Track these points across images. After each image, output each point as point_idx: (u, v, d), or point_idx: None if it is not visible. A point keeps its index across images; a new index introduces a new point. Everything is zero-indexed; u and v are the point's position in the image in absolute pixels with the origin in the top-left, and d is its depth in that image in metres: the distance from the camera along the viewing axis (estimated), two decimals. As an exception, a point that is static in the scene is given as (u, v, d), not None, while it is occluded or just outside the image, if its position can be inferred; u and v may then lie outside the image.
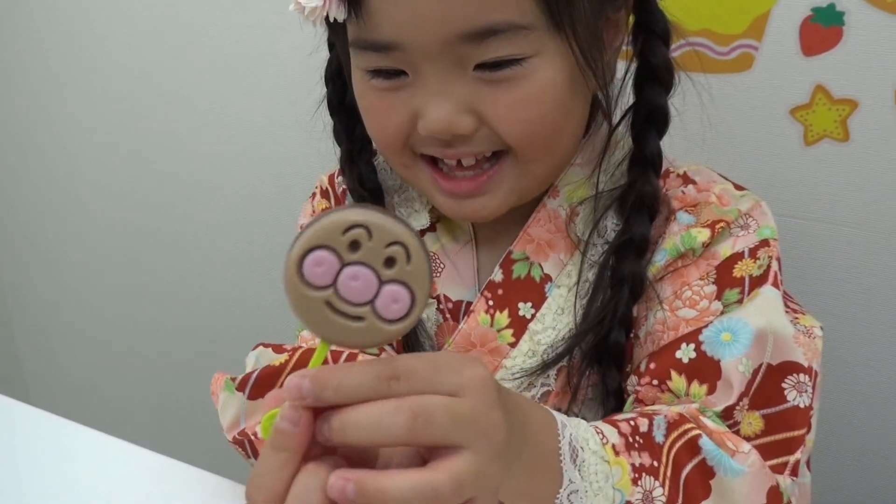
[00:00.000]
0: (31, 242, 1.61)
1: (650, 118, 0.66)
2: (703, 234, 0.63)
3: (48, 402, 1.58)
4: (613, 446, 0.52)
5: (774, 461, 0.56)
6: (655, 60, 0.65)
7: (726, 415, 0.58)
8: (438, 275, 0.72)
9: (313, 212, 0.78)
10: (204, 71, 1.23)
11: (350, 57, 0.64)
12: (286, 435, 0.38)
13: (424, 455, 0.40)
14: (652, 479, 0.52)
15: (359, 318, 0.39)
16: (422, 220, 0.73)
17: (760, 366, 0.58)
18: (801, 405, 0.58)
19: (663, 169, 0.67)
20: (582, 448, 0.50)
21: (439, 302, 0.71)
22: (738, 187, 0.68)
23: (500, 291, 0.68)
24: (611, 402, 0.65)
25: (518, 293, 0.68)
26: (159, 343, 1.52)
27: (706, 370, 0.59)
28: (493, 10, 0.56)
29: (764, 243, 0.63)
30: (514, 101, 0.59)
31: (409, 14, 0.56)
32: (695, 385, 0.59)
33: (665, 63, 0.65)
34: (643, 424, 0.55)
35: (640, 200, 0.65)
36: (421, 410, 0.37)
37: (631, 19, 0.66)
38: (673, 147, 0.73)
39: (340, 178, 0.77)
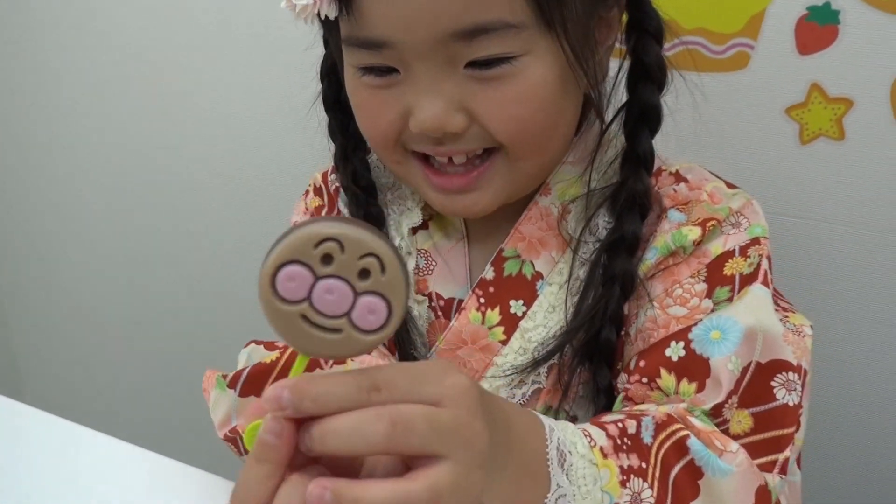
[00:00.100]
0: (27, 241, 1.61)
1: (643, 116, 0.66)
2: (693, 233, 0.63)
3: (43, 400, 1.58)
4: (601, 449, 0.52)
5: (763, 459, 0.56)
6: (648, 59, 0.65)
7: (715, 413, 0.58)
8: (430, 272, 0.72)
9: (306, 209, 0.78)
10: (203, 69, 1.23)
11: (343, 54, 0.64)
12: (269, 447, 0.38)
13: (409, 465, 0.39)
14: (640, 480, 0.52)
15: (336, 330, 0.39)
16: (414, 218, 0.73)
17: (749, 364, 0.58)
18: (791, 403, 0.58)
19: (655, 167, 0.67)
20: (570, 452, 0.50)
21: (431, 299, 0.71)
22: (730, 185, 0.68)
23: (491, 289, 0.68)
24: (601, 399, 0.65)
25: (509, 291, 0.68)
26: (156, 342, 1.52)
27: (695, 368, 0.59)
28: (483, 9, 0.56)
29: (755, 242, 0.63)
30: (505, 98, 0.59)
31: (399, 12, 0.56)
32: (684, 383, 0.59)
33: (658, 62, 0.65)
34: (631, 426, 0.55)
35: (631, 198, 0.65)
36: (400, 419, 0.37)
37: (624, 18, 0.66)
38: (668, 146, 0.73)
39: (334, 175, 0.77)
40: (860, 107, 0.81)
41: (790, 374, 0.58)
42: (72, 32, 1.33)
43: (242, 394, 0.64)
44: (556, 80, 0.60)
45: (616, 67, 0.67)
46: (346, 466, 0.40)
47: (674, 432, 0.55)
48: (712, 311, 0.61)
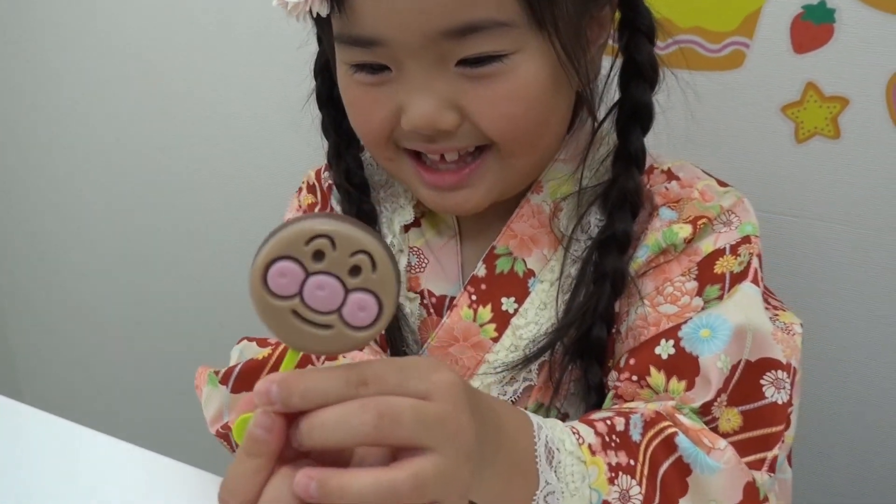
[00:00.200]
0: (27, 241, 1.62)
1: (635, 115, 0.66)
2: (684, 230, 0.63)
3: (43, 400, 1.59)
4: (590, 446, 0.52)
5: (752, 457, 0.56)
6: (640, 57, 0.65)
7: (704, 411, 0.58)
8: (422, 270, 0.72)
9: (299, 206, 0.78)
10: (203, 69, 1.24)
11: (335, 51, 0.64)
12: (259, 441, 0.38)
13: (397, 460, 0.39)
14: (629, 477, 0.52)
15: (326, 326, 0.39)
16: (406, 216, 0.73)
17: (739, 362, 0.58)
18: (780, 402, 0.58)
19: (647, 165, 0.67)
20: (558, 449, 0.50)
21: (423, 297, 0.71)
22: (722, 184, 0.68)
23: (483, 286, 0.68)
24: (592, 397, 0.65)
25: (501, 288, 0.68)
26: (156, 342, 1.53)
27: (685, 366, 0.59)
28: (474, 7, 0.56)
29: (745, 240, 0.63)
30: (496, 96, 0.59)
31: (390, 10, 0.57)
32: (673, 381, 0.59)
33: (650, 60, 0.65)
34: (620, 423, 0.55)
35: (623, 196, 0.65)
36: (387, 410, 0.37)
37: (617, 16, 0.66)
38: (664, 145, 0.73)
39: (327, 172, 0.77)
40: (856, 105, 0.81)
41: (779, 372, 0.58)
42: (72, 32, 1.34)
43: (234, 390, 0.64)
44: (547, 78, 0.60)
45: (608, 65, 0.67)
46: (334, 461, 0.40)
47: (662, 430, 0.55)
48: (702, 309, 0.61)
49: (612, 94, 0.68)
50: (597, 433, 0.53)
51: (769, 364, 0.58)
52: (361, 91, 0.63)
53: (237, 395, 0.64)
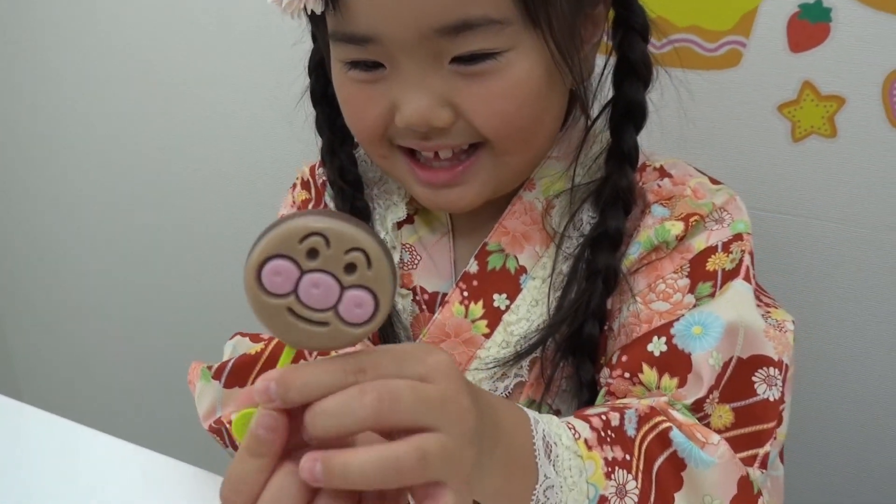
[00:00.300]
0: (27, 241, 1.62)
1: (628, 113, 0.66)
2: (676, 227, 0.63)
3: (42, 399, 1.59)
4: (586, 441, 0.52)
5: (744, 454, 0.56)
6: (634, 56, 0.65)
7: (696, 408, 0.58)
8: (415, 267, 0.72)
9: (293, 202, 0.79)
10: (203, 69, 1.24)
11: (330, 48, 0.64)
12: (263, 441, 0.38)
13: None
14: (625, 472, 0.52)
15: (322, 324, 0.39)
16: (399, 213, 0.73)
17: (731, 359, 0.58)
18: (771, 398, 0.58)
19: (640, 162, 0.67)
20: (555, 443, 0.50)
21: (415, 293, 0.71)
22: (714, 181, 0.68)
23: (475, 283, 0.68)
24: (584, 394, 0.65)
25: (493, 284, 0.68)
26: (155, 341, 1.53)
27: (677, 363, 0.59)
28: (468, 5, 0.56)
29: (737, 237, 0.63)
30: (490, 94, 0.59)
31: (385, 7, 0.57)
32: (665, 378, 0.59)
33: (643, 58, 0.65)
34: (614, 418, 0.55)
35: (615, 194, 0.65)
36: (387, 393, 0.37)
37: (611, 14, 0.66)
38: (660, 143, 0.73)
39: (321, 169, 0.77)
40: (852, 104, 0.81)
41: (771, 369, 0.58)
42: (72, 32, 1.34)
43: (227, 385, 0.65)
44: (541, 76, 0.60)
45: (602, 64, 0.68)
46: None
47: (656, 424, 0.55)
48: (694, 306, 0.61)
49: (606, 92, 0.68)
50: (592, 428, 0.53)
51: (761, 361, 0.58)
52: (356, 88, 0.63)
53: (230, 391, 0.65)
